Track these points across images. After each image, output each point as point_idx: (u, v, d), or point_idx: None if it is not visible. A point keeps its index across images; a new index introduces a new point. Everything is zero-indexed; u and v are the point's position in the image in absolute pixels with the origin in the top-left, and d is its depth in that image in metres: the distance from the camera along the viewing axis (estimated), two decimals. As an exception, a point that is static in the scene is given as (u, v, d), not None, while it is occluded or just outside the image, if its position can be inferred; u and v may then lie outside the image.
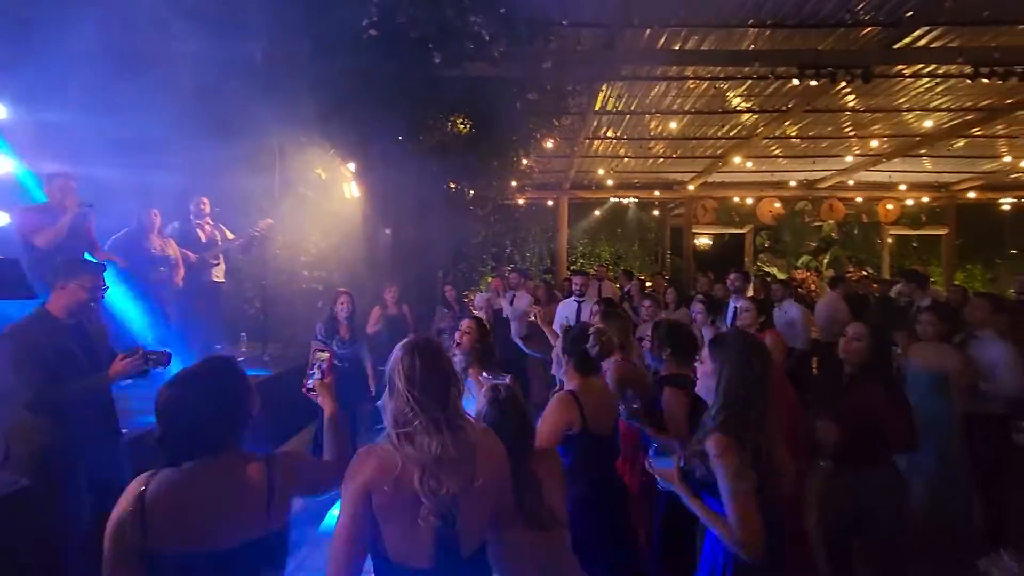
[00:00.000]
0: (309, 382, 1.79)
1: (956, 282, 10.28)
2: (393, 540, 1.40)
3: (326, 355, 1.80)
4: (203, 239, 5.24)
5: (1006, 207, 11.74)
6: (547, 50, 5.38)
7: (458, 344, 3.02)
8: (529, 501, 1.67)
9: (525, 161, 8.58)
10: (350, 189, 5.99)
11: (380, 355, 4.93)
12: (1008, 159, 9.39)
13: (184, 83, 4.31)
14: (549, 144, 7.82)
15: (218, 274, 5.33)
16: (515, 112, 6.33)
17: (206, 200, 5.21)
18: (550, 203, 11.98)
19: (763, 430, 1.79)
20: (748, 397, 1.80)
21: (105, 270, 2.71)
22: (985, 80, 5.31)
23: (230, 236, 5.30)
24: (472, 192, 7.92)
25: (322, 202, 5.79)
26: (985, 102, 7.03)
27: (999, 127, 7.86)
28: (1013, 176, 10.56)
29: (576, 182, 11.47)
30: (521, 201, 11.20)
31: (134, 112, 4.06)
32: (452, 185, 7.45)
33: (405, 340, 1.52)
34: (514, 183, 9.43)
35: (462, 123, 6.64)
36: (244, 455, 1.42)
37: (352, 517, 1.39)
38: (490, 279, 8.31)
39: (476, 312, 5.24)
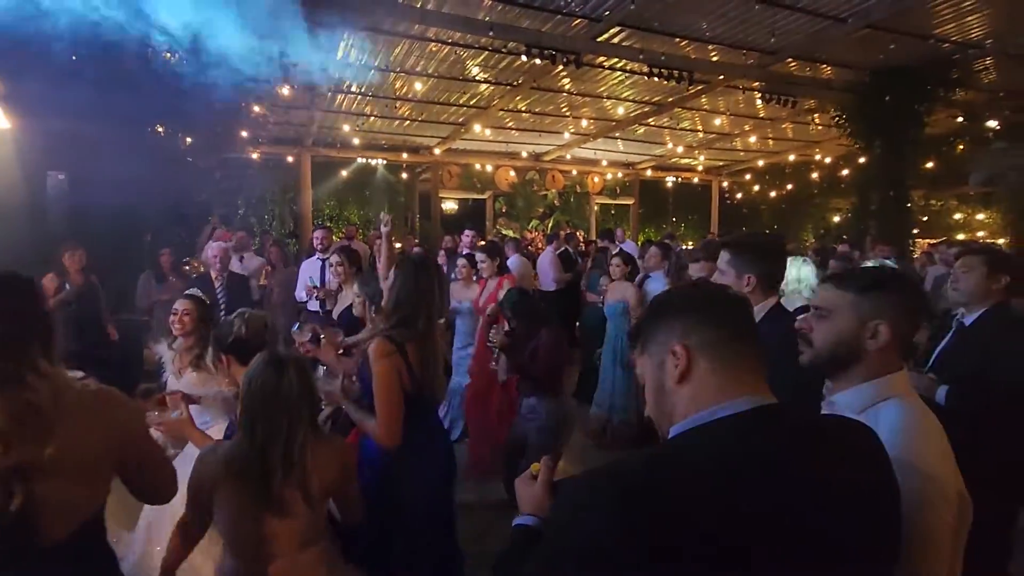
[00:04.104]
0: None
1: (639, 241, 13.06)
2: None
3: None
4: None
5: (670, 184, 15.29)
6: (276, -21, 4.80)
7: (178, 329, 2.57)
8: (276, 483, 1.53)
9: (257, 108, 7.63)
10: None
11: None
12: (670, 146, 12.18)
13: None
14: (285, 91, 7.09)
15: None
16: (239, 47, 5.50)
17: None
18: (290, 159, 10.96)
19: (429, 338, 2.04)
20: (415, 307, 2.02)
21: None
22: (656, 79, 6.78)
23: None
24: (189, 140, 6.71)
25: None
26: (656, 98, 8.92)
27: (664, 120, 10.11)
28: (673, 160, 13.79)
29: (320, 139, 10.70)
30: (255, 155, 9.97)
31: None
32: (159, 128, 6.19)
33: None
34: (245, 134, 8.32)
35: (168, 52, 5.50)
36: None
37: None
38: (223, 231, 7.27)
39: (209, 262, 4.52)
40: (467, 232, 6.54)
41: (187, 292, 2.69)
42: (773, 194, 14.92)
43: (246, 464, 1.51)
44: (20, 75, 4.32)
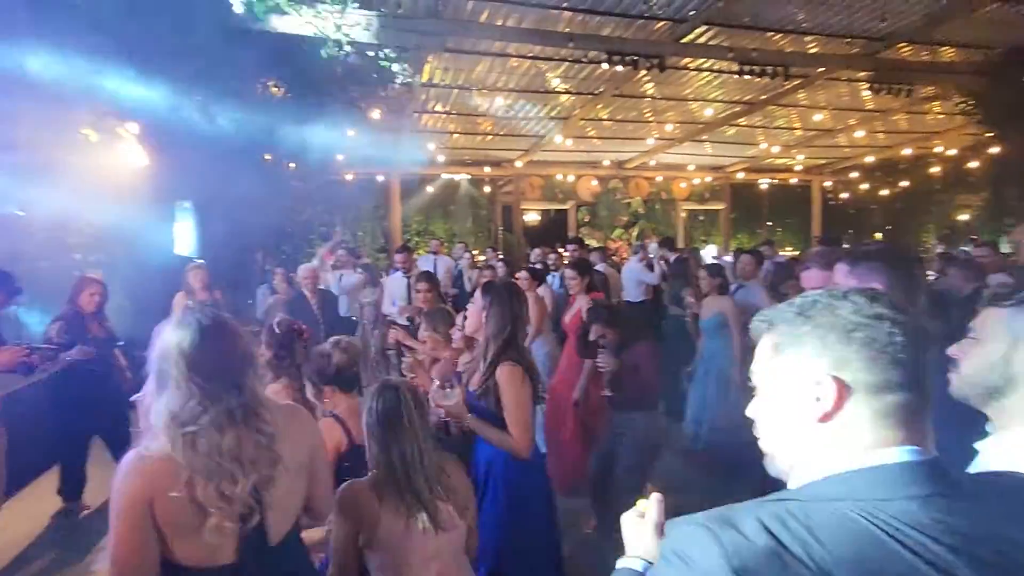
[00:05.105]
0: None
1: (731, 249, 12.38)
2: (187, 548, 1.21)
3: None
4: None
5: (764, 186, 14.38)
6: (367, 11, 5.10)
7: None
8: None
9: (351, 133, 8.12)
10: (133, 154, 5.05)
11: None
12: (764, 146, 11.46)
13: None
14: (375, 115, 7.49)
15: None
16: (334, 78, 5.90)
17: None
18: (381, 179, 11.56)
19: (526, 353, 2.28)
20: (513, 328, 2.22)
21: (17, 293, 2.94)
22: (747, 76, 6.39)
23: None
24: (293, 165, 7.27)
25: (94, 169, 4.79)
26: (747, 97, 8.44)
27: (757, 119, 9.53)
28: (767, 160, 12.96)
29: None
30: (350, 176, 10.61)
31: None
32: (268, 156, 6.75)
33: (181, 317, 1.28)
34: (340, 156, 8.88)
35: (275, 86, 6.01)
36: None
37: (134, 534, 1.17)
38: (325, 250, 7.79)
39: (300, 282, 4.84)
40: (569, 246, 6.54)
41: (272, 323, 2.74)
42: (885, 192, 13.55)
43: (396, 489, 1.60)
44: (156, 115, 4.89)
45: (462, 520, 1.68)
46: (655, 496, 0.95)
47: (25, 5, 3.83)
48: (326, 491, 1.51)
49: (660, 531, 0.91)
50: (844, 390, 0.70)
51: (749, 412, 0.83)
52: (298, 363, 2.33)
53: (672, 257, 7.00)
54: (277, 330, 2.41)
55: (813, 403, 0.71)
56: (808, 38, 6.41)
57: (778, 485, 0.78)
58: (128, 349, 3.85)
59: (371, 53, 5.95)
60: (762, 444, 0.81)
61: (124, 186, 4.93)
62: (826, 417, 0.71)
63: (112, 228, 5.01)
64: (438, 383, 2.14)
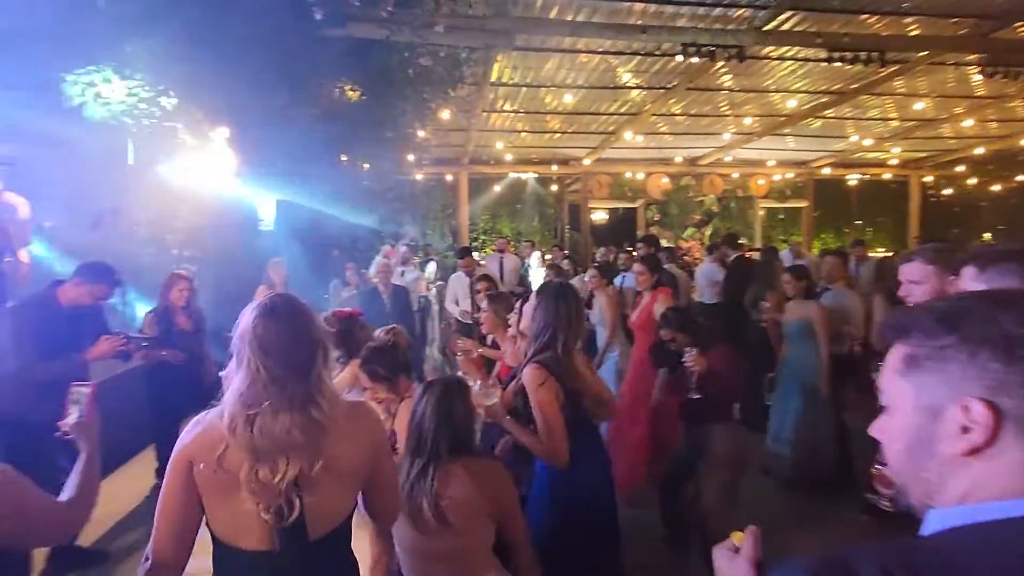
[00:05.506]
0: (68, 423, 1.44)
1: (814, 250, 11.59)
2: (221, 521, 1.24)
3: (87, 390, 1.48)
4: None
5: (853, 182, 13.34)
6: (439, 13, 5.16)
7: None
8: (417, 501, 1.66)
9: (422, 133, 8.30)
10: (223, 157, 5.41)
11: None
12: (854, 139, 10.62)
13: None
14: (445, 115, 7.60)
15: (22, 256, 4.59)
16: (407, 79, 6.05)
17: None
18: (449, 178, 11.77)
19: (569, 358, 2.13)
20: (555, 331, 2.12)
21: (119, 285, 3.05)
22: (836, 64, 5.92)
23: (24, 210, 4.46)
24: (366, 165, 7.53)
25: (190, 171, 5.17)
26: (836, 86, 7.84)
27: (846, 110, 8.83)
28: (857, 155, 12.00)
29: (475, 157, 11.34)
30: (419, 176, 10.88)
31: None
32: (344, 157, 7.03)
33: (259, 300, 1.30)
34: (411, 157, 9.11)
35: (351, 89, 6.23)
36: None
37: (175, 490, 1.23)
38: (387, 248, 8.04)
39: (373, 279, 5.02)
40: (639, 244, 6.41)
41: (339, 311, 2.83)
42: (998, 187, 12.19)
43: (405, 479, 1.65)
44: (244, 120, 5.21)
45: (447, 527, 1.61)
46: (751, 530, 0.86)
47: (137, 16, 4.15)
48: (390, 499, 1.47)
49: (756, 568, 0.82)
50: (1001, 420, 0.57)
51: (873, 431, 0.70)
52: (359, 341, 2.38)
53: (733, 255, 6.58)
54: (331, 328, 2.48)
55: (958, 433, 0.59)
56: (908, 19, 5.85)
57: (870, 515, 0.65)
58: (213, 341, 4.11)
59: (442, 54, 6.06)
60: (889, 473, 0.69)
61: (214, 186, 5.29)
62: (975, 452, 0.59)
63: (204, 225, 5.39)
64: (480, 384, 2.11)
